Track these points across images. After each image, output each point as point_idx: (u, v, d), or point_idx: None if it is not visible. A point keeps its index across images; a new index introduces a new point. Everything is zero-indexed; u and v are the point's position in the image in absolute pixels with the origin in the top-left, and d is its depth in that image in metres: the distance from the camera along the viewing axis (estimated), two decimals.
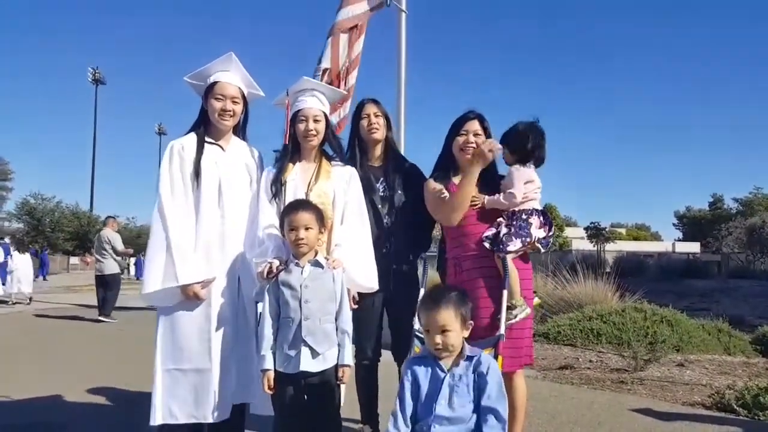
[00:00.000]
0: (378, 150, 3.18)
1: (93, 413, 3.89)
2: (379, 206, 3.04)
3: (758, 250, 28.64)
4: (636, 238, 55.22)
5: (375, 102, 3.20)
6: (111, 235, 9.89)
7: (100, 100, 43.81)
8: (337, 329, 2.40)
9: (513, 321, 2.52)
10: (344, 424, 2.72)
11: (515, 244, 2.61)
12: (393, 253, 3.00)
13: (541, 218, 2.71)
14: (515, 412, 2.65)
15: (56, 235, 37.61)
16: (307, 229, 2.39)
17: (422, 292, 2.57)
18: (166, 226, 2.52)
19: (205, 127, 2.74)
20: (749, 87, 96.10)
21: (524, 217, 2.68)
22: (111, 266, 9.62)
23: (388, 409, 3.00)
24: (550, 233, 2.74)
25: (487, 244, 2.65)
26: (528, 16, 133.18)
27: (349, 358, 2.42)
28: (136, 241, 41.29)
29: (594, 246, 37.81)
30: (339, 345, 2.40)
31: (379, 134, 3.12)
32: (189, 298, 2.50)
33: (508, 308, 2.50)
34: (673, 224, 62.65)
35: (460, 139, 2.82)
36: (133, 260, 28.00)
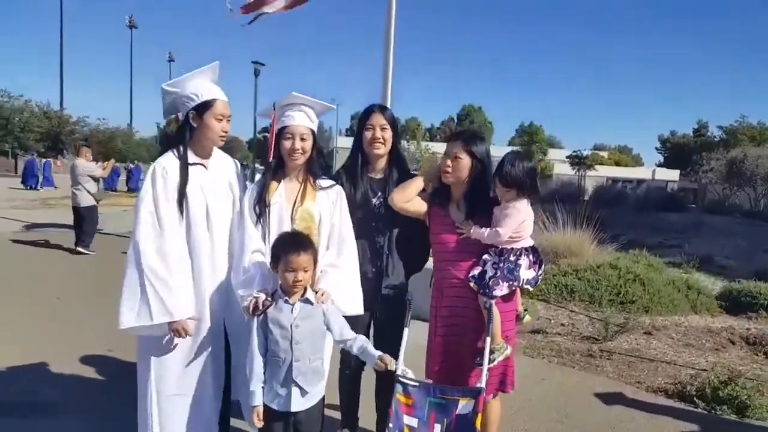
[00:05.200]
0: (381, 162, 2.96)
1: (81, 388, 3.92)
2: (373, 224, 2.90)
3: (736, 183, 29.13)
4: (617, 163, 55.58)
5: (383, 111, 2.93)
6: (86, 166, 9.52)
7: None
8: (347, 342, 2.40)
9: (492, 365, 2.51)
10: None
11: (501, 289, 2.55)
12: (383, 272, 2.91)
13: (531, 257, 2.64)
14: (488, 429, 2.75)
15: (26, 136, 36.30)
16: (305, 271, 2.33)
17: (406, 332, 2.52)
18: (152, 259, 2.40)
19: (184, 144, 2.56)
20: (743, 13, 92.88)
21: (512, 258, 2.60)
22: (86, 198, 9.34)
23: (367, 413, 3.14)
24: (540, 272, 2.67)
25: (473, 284, 2.59)
26: None
27: (376, 352, 2.37)
28: (110, 145, 40.37)
29: (575, 173, 38.05)
30: (359, 348, 2.38)
31: (382, 150, 2.90)
32: (176, 333, 2.45)
33: (490, 351, 2.48)
34: (656, 148, 63.02)
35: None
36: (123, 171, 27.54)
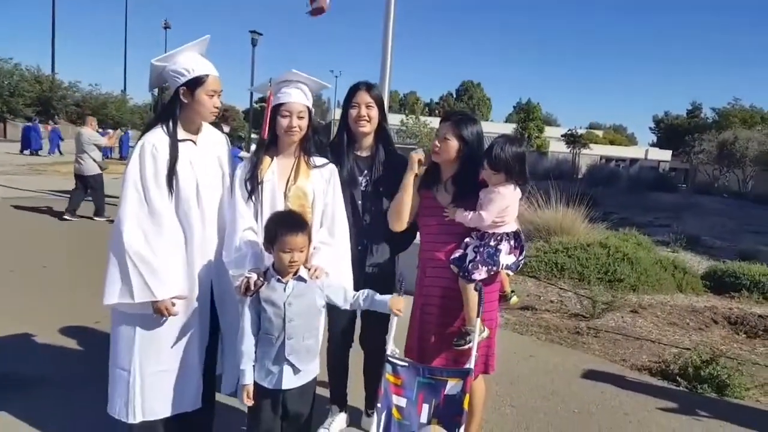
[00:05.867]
0: (368, 140, 2.94)
1: (63, 361, 3.90)
2: (359, 202, 2.89)
3: (726, 164, 29.35)
4: (612, 142, 55.62)
5: (369, 89, 2.88)
6: (92, 135, 9.63)
7: None
8: (357, 301, 2.46)
9: (465, 347, 2.50)
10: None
11: (480, 273, 2.55)
12: (368, 251, 2.91)
13: (512, 242, 2.63)
14: (473, 412, 2.79)
15: (16, 100, 35.54)
16: (301, 251, 2.31)
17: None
18: (135, 238, 2.34)
19: (173, 118, 2.50)
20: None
21: (493, 243, 2.58)
22: (91, 167, 9.43)
23: (355, 391, 3.18)
24: (521, 257, 2.67)
25: (453, 268, 2.60)
26: None
27: (384, 297, 2.43)
28: (102, 111, 39.69)
29: (570, 152, 38.10)
30: (365, 299, 2.44)
31: (368, 128, 2.87)
32: (158, 312, 2.41)
33: (466, 333, 2.51)
34: (650, 128, 63.07)
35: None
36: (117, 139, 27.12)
